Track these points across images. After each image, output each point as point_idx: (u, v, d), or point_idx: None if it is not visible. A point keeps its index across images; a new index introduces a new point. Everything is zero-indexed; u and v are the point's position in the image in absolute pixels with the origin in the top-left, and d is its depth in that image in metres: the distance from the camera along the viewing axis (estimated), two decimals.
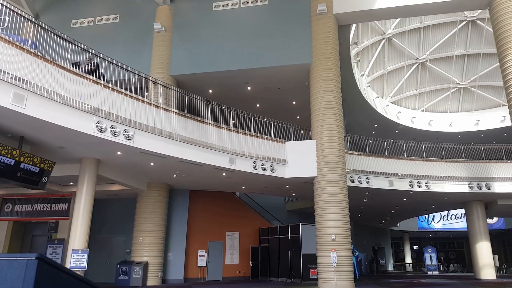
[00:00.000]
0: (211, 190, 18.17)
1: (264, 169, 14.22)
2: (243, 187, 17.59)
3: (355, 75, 19.90)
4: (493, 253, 22.58)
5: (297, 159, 14.79)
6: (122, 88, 11.04)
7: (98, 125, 10.02)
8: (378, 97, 24.90)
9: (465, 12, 23.47)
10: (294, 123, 16.37)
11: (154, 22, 16.66)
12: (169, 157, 11.90)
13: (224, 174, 14.27)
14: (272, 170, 14.42)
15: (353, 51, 21.26)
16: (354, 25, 20.19)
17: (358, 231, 28.38)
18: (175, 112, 12.46)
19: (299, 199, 23.20)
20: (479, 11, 22.84)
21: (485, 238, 20.57)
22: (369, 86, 23.81)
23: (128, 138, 10.66)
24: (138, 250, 14.85)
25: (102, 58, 11.24)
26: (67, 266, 10.41)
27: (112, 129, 10.33)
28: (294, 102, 19.25)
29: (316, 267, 13.80)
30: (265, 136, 14.82)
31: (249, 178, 15.08)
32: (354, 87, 20.30)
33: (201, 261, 17.23)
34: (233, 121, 14.73)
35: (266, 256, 18.80)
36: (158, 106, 11.95)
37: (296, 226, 17.10)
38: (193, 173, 14.02)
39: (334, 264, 12.61)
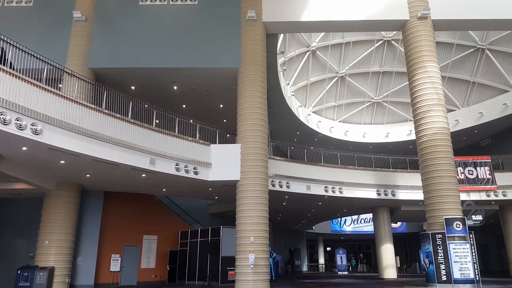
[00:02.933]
0: (129, 191, 17.34)
1: (187, 171, 13.96)
2: (164, 189, 17.09)
3: (281, 83, 20.54)
4: (396, 255, 24.89)
5: (221, 162, 14.78)
6: (32, 78, 10.03)
7: (1, 116, 8.98)
8: (301, 106, 26.00)
9: (382, 33, 25.65)
10: (220, 126, 16.36)
11: (73, 10, 15.46)
12: (82, 155, 11.09)
13: (143, 175, 13.71)
14: (196, 173, 14.22)
15: (280, 60, 21.97)
16: (281, 35, 20.89)
17: (277, 234, 29.29)
18: (91, 107, 11.67)
19: (221, 202, 23.23)
20: (394, 32, 25.12)
21: (389, 241, 22.56)
22: (293, 95, 24.77)
23: (35, 132, 9.70)
24: (44, 254, 13.58)
25: (9, 43, 10.11)
26: None
27: (18, 122, 9.33)
28: (221, 105, 19.25)
29: (234, 269, 13.89)
30: (190, 138, 14.58)
31: (170, 180, 14.69)
32: (279, 95, 20.95)
33: (114, 266, 16.42)
34: (157, 121, 14.25)
35: (184, 259, 18.44)
36: (72, 100, 11.07)
37: (217, 229, 17.06)
38: (109, 173, 13.24)
39: (252, 266, 12.82)
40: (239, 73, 15.63)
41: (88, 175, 13.51)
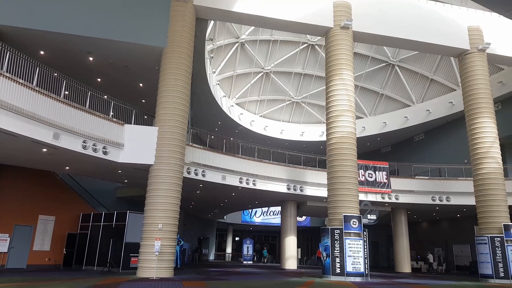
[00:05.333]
0: (27, 166, 15.68)
1: (95, 150, 13.06)
2: (67, 168, 15.80)
3: (207, 70, 20.28)
4: (298, 247, 26.40)
5: (135, 144, 14.12)
6: None
7: None
8: (225, 96, 26.02)
9: (307, 36, 26.75)
10: (138, 106, 15.59)
11: None
12: None
13: (45, 150, 12.48)
14: (105, 153, 13.38)
15: (208, 47, 21.66)
16: (212, 22, 20.58)
17: (187, 222, 29.05)
18: None
19: (131, 186, 22.25)
20: (319, 37, 26.37)
21: (293, 233, 23.83)
22: (218, 84, 24.65)
23: None
24: None
25: None
26: None
27: None
28: (141, 84, 18.34)
29: (138, 256, 13.44)
30: (102, 115, 13.64)
31: (76, 159, 13.61)
32: (204, 82, 20.68)
33: (1, 246, 14.83)
34: (66, 92, 13.06)
35: (84, 243, 17.31)
36: None
37: (123, 213, 16.29)
38: (5, 144, 11.80)
39: (157, 253, 12.53)
40: (164, 53, 15.04)
41: None
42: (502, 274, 15.98)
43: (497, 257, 16.21)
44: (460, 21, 19.32)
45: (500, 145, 18.31)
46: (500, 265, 16.10)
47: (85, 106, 13.16)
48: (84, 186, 20.99)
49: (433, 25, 18.90)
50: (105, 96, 14.33)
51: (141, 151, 14.02)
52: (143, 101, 19.32)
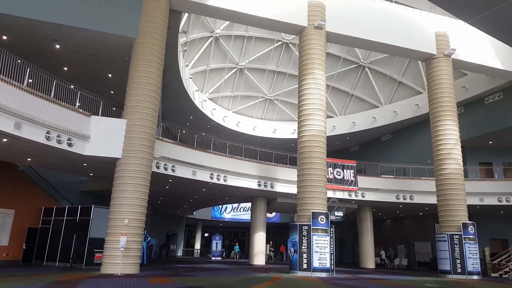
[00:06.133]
0: None
1: (59, 142, 12.58)
2: (29, 159, 15.15)
3: (179, 63, 19.97)
4: (267, 243, 26.59)
5: (102, 137, 13.71)
6: None
7: None
8: (198, 90, 25.73)
9: (282, 34, 26.86)
10: (106, 98, 15.14)
11: None
12: None
13: (5, 140, 11.89)
14: (70, 145, 12.91)
15: (181, 39, 21.33)
16: (186, 14, 20.27)
17: (155, 217, 28.60)
18: None
19: (97, 179, 21.63)
20: (293, 36, 26.55)
21: (263, 230, 23.98)
22: (191, 78, 24.33)
23: None
24: None
25: None
26: None
27: None
28: (110, 75, 17.82)
29: (102, 252, 13.10)
30: (68, 105, 13.13)
31: (39, 150, 13.07)
32: (176, 75, 20.34)
33: None
34: (30, 80, 12.48)
35: (46, 238, 16.66)
36: None
37: (88, 208, 15.81)
38: None
39: (122, 249, 12.26)
40: (135, 44, 14.66)
41: None
42: (459, 270, 16.78)
43: (456, 253, 16.99)
44: (428, 27, 20.01)
45: (462, 147, 19.17)
46: (458, 261, 16.90)
47: (50, 96, 12.63)
48: (47, 179, 20.22)
49: (403, 30, 19.48)
50: (72, 86, 13.83)
51: (108, 144, 13.63)
52: (112, 92, 18.79)
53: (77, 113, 13.34)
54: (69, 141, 12.87)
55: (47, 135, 12.23)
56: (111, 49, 15.37)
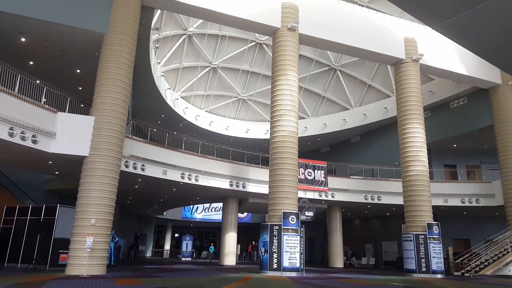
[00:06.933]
0: None
1: (23, 139, 12.06)
2: None
3: (151, 60, 19.60)
4: (238, 243, 26.56)
5: (69, 134, 13.25)
6: None
7: None
8: (170, 88, 25.36)
9: (256, 34, 26.92)
10: (73, 94, 14.65)
11: None
12: None
13: None
14: (34, 142, 12.41)
15: (153, 36, 20.97)
16: (159, 11, 19.95)
17: (124, 217, 27.98)
18: None
19: (63, 178, 20.88)
20: (267, 37, 26.66)
21: (234, 230, 23.94)
22: (163, 75, 23.96)
23: None
24: None
25: None
26: None
27: None
28: (78, 71, 17.29)
29: (67, 252, 12.66)
30: (33, 101, 12.61)
31: (1, 147, 12.46)
32: (148, 72, 19.96)
33: None
34: None
35: (7, 239, 15.92)
36: None
37: (53, 207, 15.25)
38: None
39: (88, 250, 11.90)
40: (105, 39, 14.28)
41: None
42: (424, 269, 17.37)
43: (421, 253, 17.59)
44: (397, 32, 20.62)
45: (427, 149, 19.87)
46: (423, 260, 17.49)
47: (13, 91, 12.09)
48: (10, 177, 19.38)
49: (374, 34, 19.97)
50: (38, 81, 13.29)
51: (75, 142, 13.20)
52: (80, 88, 18.23)
53: (42, 109, 12.84)
54: (34, 138, 12.36)
55: (10, 131, 11.70)
56: (80, 44, 14.91)
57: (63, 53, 15.59)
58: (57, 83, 14.41)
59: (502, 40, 4.48)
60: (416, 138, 19.21)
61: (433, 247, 17.61)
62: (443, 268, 17.89)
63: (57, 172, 17.82)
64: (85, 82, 17.09)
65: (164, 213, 36.21)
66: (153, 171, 17.40)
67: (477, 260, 19.76)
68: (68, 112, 13.79)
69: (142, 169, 16.84)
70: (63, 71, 17.12)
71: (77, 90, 17.95)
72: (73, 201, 13.37)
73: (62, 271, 12.43)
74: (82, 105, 14.67)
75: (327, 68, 28.93)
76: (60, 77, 17.14)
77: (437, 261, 17.53)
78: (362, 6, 22.49)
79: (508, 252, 19.32)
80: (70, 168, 14.99)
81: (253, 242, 35.08)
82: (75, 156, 13.40)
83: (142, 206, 30.31)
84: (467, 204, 22.58)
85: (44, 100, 13.34)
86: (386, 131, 27.65)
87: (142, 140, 17.68)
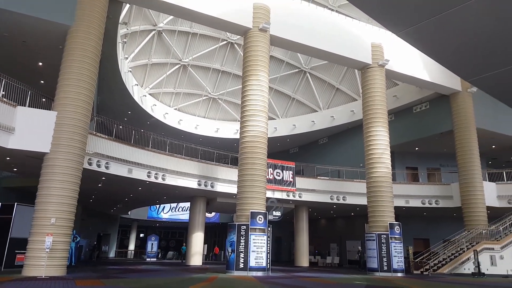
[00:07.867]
0: None
1: None
2: None
3: (118, 55, 19.11)
4: (205, 243, 26.35)
5: (29, 129, 12.68)
6: None
7: None
8: (137, 85, 24.80)
9: (227, 34, 26.82)
10: (35, 88, 14.01)
11: None
12: None
13: None
14: None
15: (122, 31, 20.44)
16: (127, 5, 19.47)
17: (86, 217, 27.09)
18: None
19: (21, 175, 19.91)
20: (238, 36, 26.62)
21: (201, 230, 23.74)
22: (130, 71, 23.40)
23: None
24: None
25: None
26: None
27: None
28: (40, 64, 16.55)
29: (25, 253, 12.10)
30: None
31: None
32: (114, 67, 19.44)
33: None
34: None
35: None
36: None
37: (10, 206, 14.52)
38: None
39: (47, 250, 11.42)
40: (70, 32, 13.77)
41: None
42: (385, 268, 17.94)
43: (383, 252, 18.15)
44: (365, 38, 21.20)
45: (391, 152, 20.54)
46: (385, 259, 18.06)
47: None
48: None
49: (342, 39, 20.44)
50: None
51: (35, 137, 12.64)
52: (42, 82, 17.46)
53: (1, 102, 12.19)
54: None
55: None
56: (43, 36, 14.29)
57: (24, 44, 14.88)
58: (18, 76, 13.75)
59: (461, 48, 4.71)
60: (380, 141, 19.81)
61: (394, 246, 18.21)
62: (404, 267, 18.55)
63: (15, 169, 17.00)
64: (48, 76, 16.39)
65: (129, 213, 35.35)
66: (118, 170, 16.96)
67: (435, 259, 20.63)
68: (29, 107, 13.19)
69: (106, 167, 16.38)
70: (24, 63, 16.34)
71: (39, 84, 17.17)
72: (31, 199, 12.79)
73: (19, 273, 11.87)
74: (44, 100, 14.07)
75: (297, 70, 29.29)
76: (21, 70, 16.35)
77: (398, 260, 18.14)
78: (332, 10, 22.94)
79: (464, 251, 20.30)
80: (30, 165, 14.34)
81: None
82: (35, 153, 12.84)
83: (106, 205, 29.44)
84: (427, 205, 23.54)
85: (3, 93, 12.70)
86: (352, 134, 28.35)
87: (107, 137, 17.18)
